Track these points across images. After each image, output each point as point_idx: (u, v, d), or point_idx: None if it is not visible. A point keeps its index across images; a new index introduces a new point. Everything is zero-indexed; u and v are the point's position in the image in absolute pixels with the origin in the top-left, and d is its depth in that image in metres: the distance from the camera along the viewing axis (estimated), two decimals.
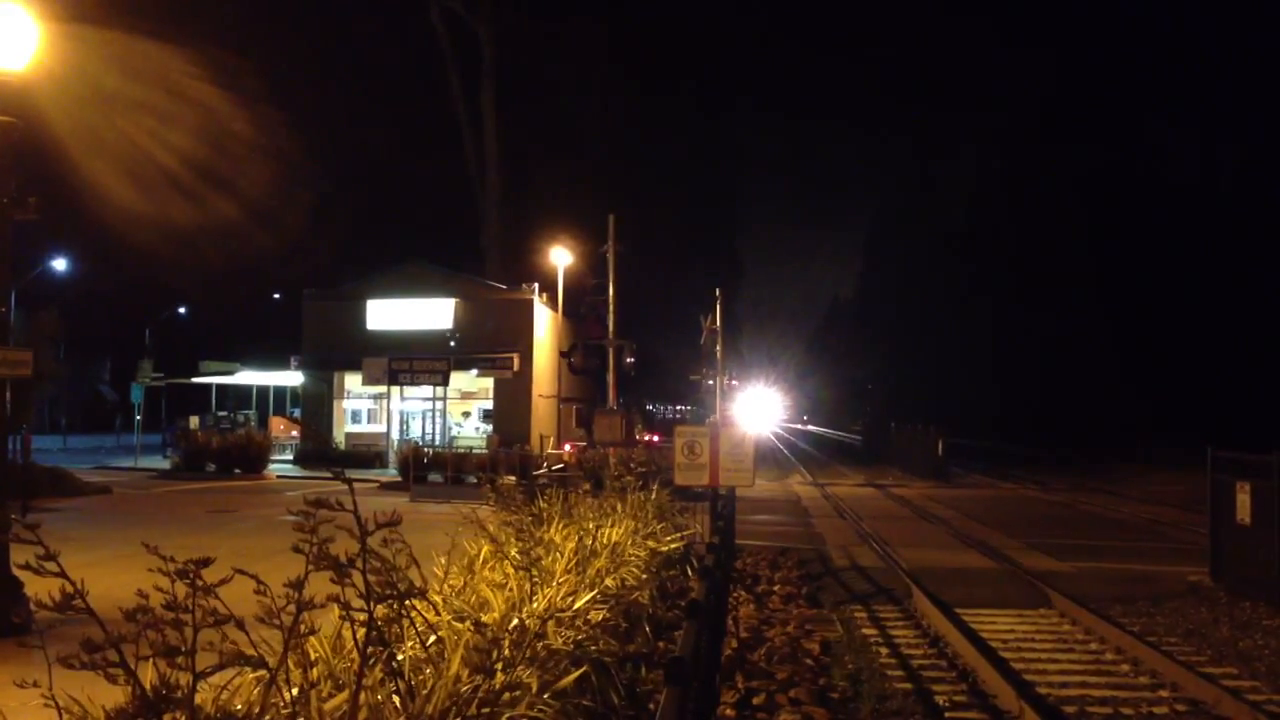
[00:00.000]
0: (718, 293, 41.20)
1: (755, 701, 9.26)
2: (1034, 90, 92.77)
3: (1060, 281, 78.23)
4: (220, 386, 49.12)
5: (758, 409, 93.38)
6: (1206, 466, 16.81)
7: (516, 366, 41.41)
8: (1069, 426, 69.27)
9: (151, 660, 3.35)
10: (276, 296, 65.72)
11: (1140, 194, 71.79)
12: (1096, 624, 12.93)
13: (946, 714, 9.34)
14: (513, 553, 7.81)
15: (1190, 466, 17.84)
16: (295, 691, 3.98)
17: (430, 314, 42.81)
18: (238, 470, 35.42)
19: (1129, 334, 69.14)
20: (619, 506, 12.46)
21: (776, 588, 15.55)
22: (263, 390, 50.20)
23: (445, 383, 39.26)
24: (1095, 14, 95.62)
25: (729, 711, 8.92)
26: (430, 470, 32.02)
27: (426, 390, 40.93)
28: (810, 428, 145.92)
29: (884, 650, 11.83)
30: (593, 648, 6.79)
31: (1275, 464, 15.09)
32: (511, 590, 6.88)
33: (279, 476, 35.62)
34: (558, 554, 8.51)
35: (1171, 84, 73.76)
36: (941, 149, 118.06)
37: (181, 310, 66.34)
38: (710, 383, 45.01)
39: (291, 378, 46.24)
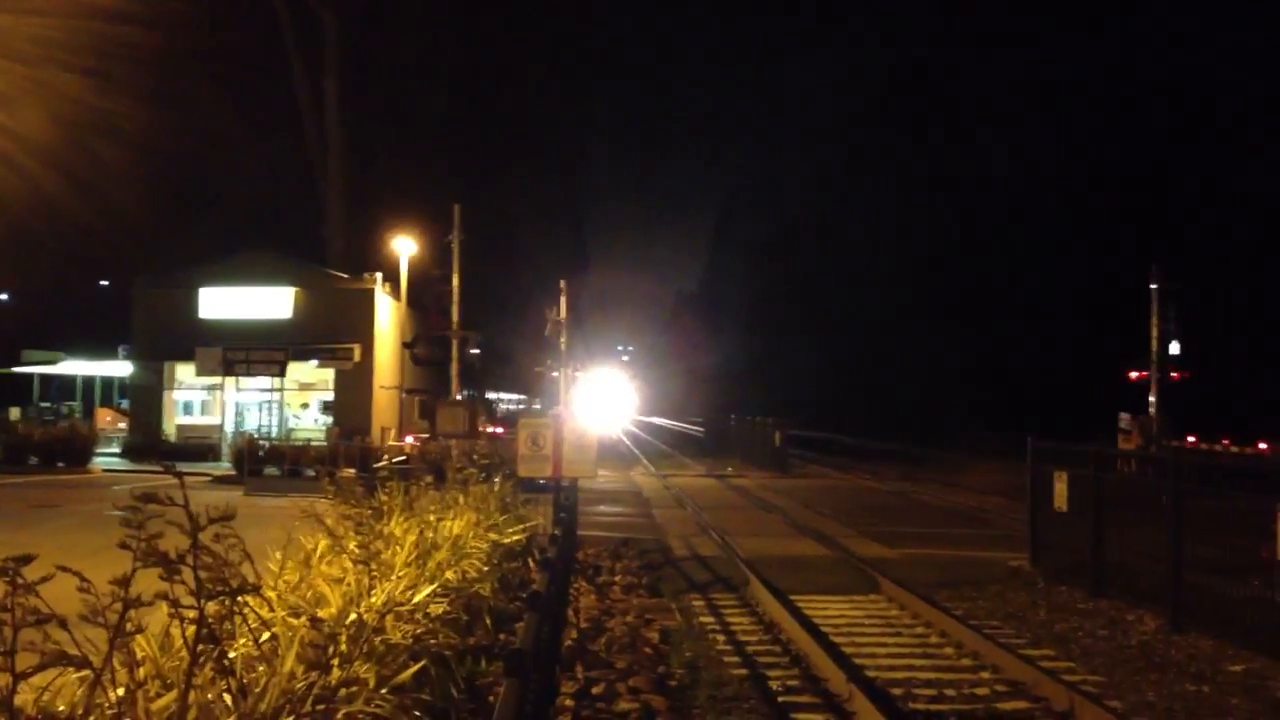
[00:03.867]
0: (562, 284, 41.25)
1: (595, 691, 9.36)
2: (870, 85, 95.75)
3: (897, 275, 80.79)
4: (44, 377, 47.06)
5: (604, 401, 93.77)
6: (1027, 456, 17.63)
7: (358, 357, 40.69)
8: (904, 418, 71.61)
9: None
10: (104, 283, 63.08)
11: (972, 189, 74.59)
12: (923, 609, 13.45)
13: (780, 699, 9.60)
14: (351, 546, 7.72)
15: (1018, 458, 18.71)
16: (121, 692, 3.89)
17: (268, 303, 41.69)
18: (62, 464, 33.98)
19: (965, 328, 71.76)
20: (461, 499, 12.40)
21: (618, 578, 15.71)
22: (89, 381, 48.28)
23: (283, 374, 38.39)
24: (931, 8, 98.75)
25: (569, 702, 8.99)
26: (267, 463, 31.30)
27: (264, 381, 39.92)
28: (655, 419, 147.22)
29: (722, 638, 12.09)
30: (432, 641, 6.78)
31: (1090, 454, 15.95)
32: (349, 585, 6.81)
33: (106, 470, 34.28)
34: (398, 547, 8.44)
35: (997, 84, 76.73)
36: (784, 142, 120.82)
37: (2, 297, 63.12)
38: (555, 375, 45.03)
39: (120, 368, 44.56)
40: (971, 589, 15.38)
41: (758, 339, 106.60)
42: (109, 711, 3.78)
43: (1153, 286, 33.20)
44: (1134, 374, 34.72)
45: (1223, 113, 62.96)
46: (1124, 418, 34.36)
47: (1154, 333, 33.31)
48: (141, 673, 4.21)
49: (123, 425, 43.03)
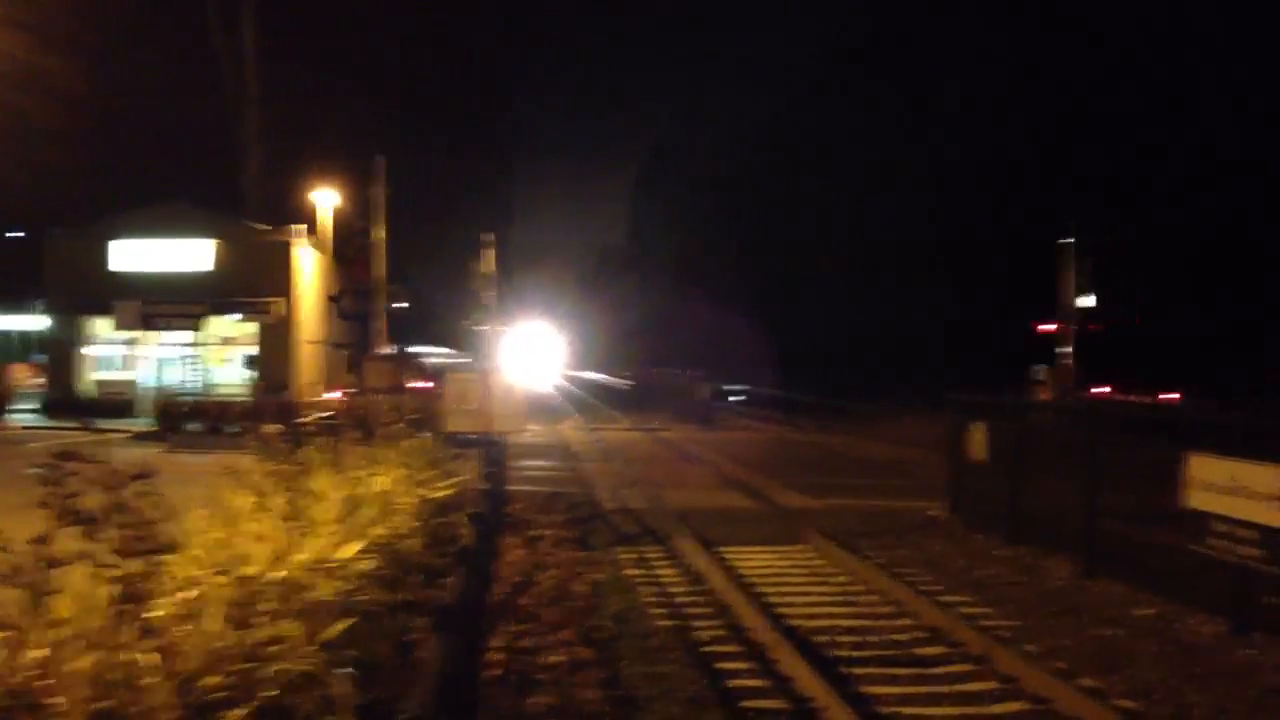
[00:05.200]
0: (488, 237, 40.80)
1: (523, 644, 9.42)
2: (804, 35, 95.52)
3: (823, 225, 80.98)
4: None
5: (533, 355, 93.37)
6: (946, 407, 17.95)
7: (281, 311, 40.15)
8: (831, 372, 72.25)
9: None
10: (20, 235, 61.28)
11: (907, 138, 74.99)
12: (845, 558, 13.68)
13: (703, 649, 9.74)
14: (278, 503, 7.69)
15: (940, 409, 19.05)
16: (44, 653, 3.86)
17: (188, 255, 40.91)
18: None
19: (887, 281, 72.38)
20: (390, 454, 12.37)
21: (547, 532, 15.72)
22: (3, 335, 47.12)
23: (200, 328, 37.79)
24: None
25: (498, 655, 9.05)
26: (189, 419, 30.83)
27: (184, 335, 39.28)
28: (586, 374, 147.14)
29: (649, 590, 12.21)
30: (362, 598, 6.78)
31: (1008, 406, 16.31)
32: (277, 542, 6.78)
33: (23, 427, 33.48)
34: (325, 504, 8.41)
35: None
36: (705, 89, 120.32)
37: None
38: (483, 329, 44.73)
39: (35, 321, 43.52)
40: (893, 538, 15.66)
41: (688, 290, 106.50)
42: (32, 673, 3.75)
43: (1064, 241, 33.82)
44: (1042, 327, 35.37)
45: (1148, 71, 63.77)
46: (1037, 369, 34.97)
47: (1067, 286, 33.91)
48: (64, 633, 4.18)
49: (38, 381, 42.14)
